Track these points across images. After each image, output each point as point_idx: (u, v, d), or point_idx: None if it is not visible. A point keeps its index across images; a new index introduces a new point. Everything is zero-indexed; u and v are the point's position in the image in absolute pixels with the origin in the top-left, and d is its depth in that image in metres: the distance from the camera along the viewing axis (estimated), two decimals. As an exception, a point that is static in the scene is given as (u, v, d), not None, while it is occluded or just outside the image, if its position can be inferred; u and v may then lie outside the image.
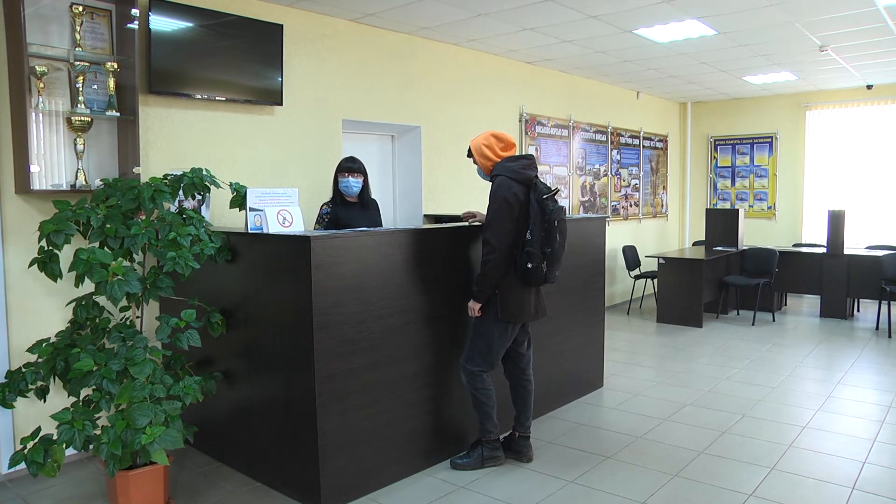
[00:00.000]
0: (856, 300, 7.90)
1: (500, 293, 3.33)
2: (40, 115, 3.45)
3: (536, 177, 3.39)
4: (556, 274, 3.38)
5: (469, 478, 3.42)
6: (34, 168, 3.38)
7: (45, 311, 3.57)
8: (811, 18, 5.17)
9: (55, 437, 2.73)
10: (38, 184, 3.43)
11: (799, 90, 8.71)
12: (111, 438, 2.64)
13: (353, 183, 4.05)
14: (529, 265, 3.26)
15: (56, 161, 3.54)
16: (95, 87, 3.63)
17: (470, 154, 3.50)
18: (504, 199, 3.25)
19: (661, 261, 7.44)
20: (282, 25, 4.46)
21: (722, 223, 8.13)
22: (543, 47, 6.10)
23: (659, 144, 9.54)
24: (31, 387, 2.97)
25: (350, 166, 4.07)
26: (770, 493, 3.19)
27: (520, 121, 6.86)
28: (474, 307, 3.37)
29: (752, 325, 7.30)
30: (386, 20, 5.08)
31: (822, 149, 8.89)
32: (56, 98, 3.51)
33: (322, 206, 4.14)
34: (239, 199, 3.48)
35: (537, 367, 3.84)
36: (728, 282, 7.65)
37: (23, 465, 2.75)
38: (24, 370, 2.96)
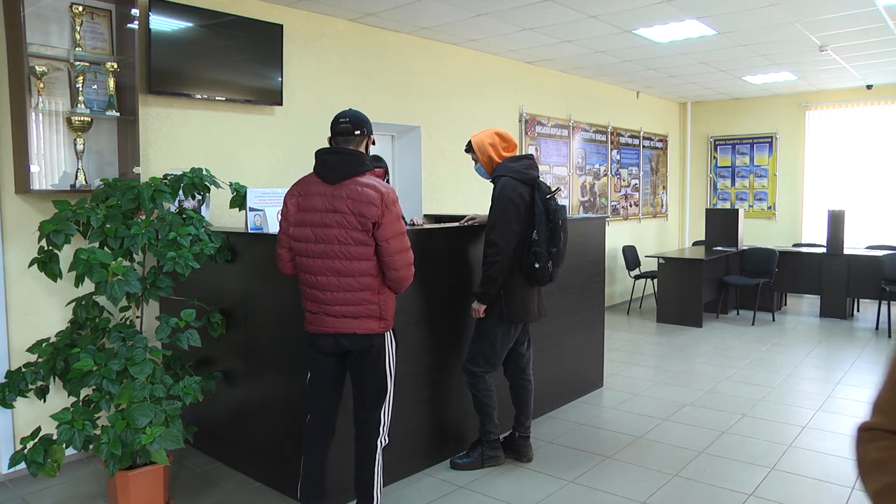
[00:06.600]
0: (855, 300, 7.90)
1: (505, 293, 3.32)
2: (40, 114, 3.45)
3: (538, 176, 3.39)
4: (559, 273, 3.39)
5: (469, 478, 3.42)
6: (34, 168, 3.38)
7: (45, 311, 3.57)
8: (811, 18, 5.17)
9: (55, 437, 2.73)
10: (37, 184, 3.43)
11: (799, 90, 8.71)
12: (111, 438, 2.64)
13: None
14: (537, 265, 3.25)
15: (56, 161, 3.54)
16: (95, 87, 3.63)
17: (469, 149, 3.48)
18: (510, 199, 3.24)
19: (661, 261, 7.44)
20: (282, 25, 4.46)
21: (722, 223, 8.12)
22: (543, 47, 6.10)
23: (659, 144, 9.54)
24: (30, 387, 2.97)
25: None
26: (770, 493, 3.19)
27: (519, 121, 6.86)
28: (479, 308, 3.35)
29: (752, 324, 7.30)
30: (386, 20, 5.08)
31: (822, 149, 8.89)
32: (56, 98, 3.51)
33: None
34: (239, 199, 3.49)
35: (537, 367, 3.84)
36: (728, 282, 7.65)
37: (23, 465, 2.75)
38: (23, 370, 2.96)
